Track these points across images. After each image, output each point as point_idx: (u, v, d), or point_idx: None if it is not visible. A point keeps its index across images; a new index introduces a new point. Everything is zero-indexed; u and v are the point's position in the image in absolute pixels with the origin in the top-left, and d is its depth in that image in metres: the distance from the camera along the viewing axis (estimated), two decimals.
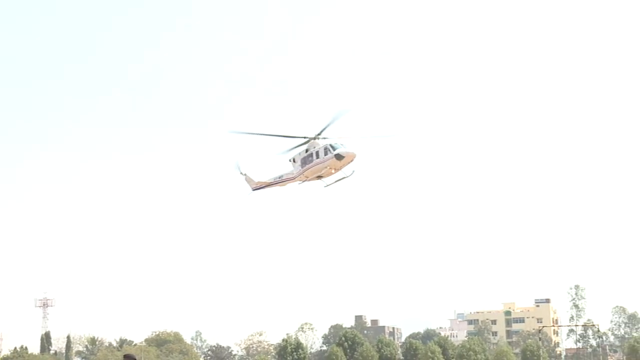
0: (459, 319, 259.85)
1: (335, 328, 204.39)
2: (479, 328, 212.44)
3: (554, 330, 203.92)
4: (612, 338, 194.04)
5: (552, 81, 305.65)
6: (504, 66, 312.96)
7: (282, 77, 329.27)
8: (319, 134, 70.32)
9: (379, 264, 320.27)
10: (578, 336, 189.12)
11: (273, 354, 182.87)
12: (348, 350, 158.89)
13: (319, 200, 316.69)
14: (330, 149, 68.35)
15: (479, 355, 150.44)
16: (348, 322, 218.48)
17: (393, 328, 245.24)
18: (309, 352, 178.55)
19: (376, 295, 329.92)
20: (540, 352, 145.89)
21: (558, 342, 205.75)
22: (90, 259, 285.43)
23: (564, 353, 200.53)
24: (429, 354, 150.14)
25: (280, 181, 74.91)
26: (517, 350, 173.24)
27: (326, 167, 68.49)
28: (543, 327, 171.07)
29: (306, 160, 70.82)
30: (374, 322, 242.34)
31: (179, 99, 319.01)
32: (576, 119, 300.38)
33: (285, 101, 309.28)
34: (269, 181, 76.30)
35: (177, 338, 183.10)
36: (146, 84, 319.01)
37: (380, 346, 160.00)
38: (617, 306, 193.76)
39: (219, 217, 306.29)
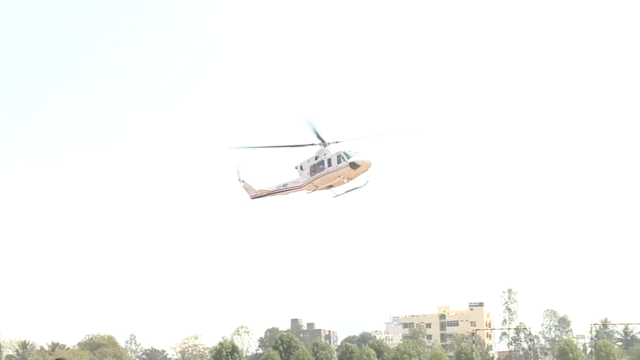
0: (395, 323, 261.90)
1: (272, 331, 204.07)
2: (414, 331, 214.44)
3: (487, 333, 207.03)
4: (543, 341, 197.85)
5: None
6: (507, 63, 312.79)
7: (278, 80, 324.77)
8: (324, 141, 66.00)
9: (315, 267, 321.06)
10: (510, 339, 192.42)
11: (209, 357, 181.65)
12: (284, 354, 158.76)
13: (254, 204, 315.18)
14: (344, 156, 64.54)
15: (413, 359, 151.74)
16: (284, 326, 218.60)
17: (329, 331, 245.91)
18: (244, 355, 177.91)
19: (312, 298, 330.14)
20: (474, 355, 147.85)
21: (491, 345, 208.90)
22: (21, 260, 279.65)
23: (496, 356, 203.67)
24: (365, 357, 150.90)
25: (284, 190, 70.72)
26: (451, 353, 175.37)
27: (339, 176, 64.79)
28: (477, 330, 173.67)
29: (316, 168, 66.73)
30: (310, 325, 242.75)
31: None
32: (515, 126, 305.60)
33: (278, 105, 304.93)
34: (271, 189, 72.17)
35: (110, 341, 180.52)
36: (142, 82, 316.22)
37: (316, 349, 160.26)
38: (548, 309, 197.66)
39: (153, 218, 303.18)
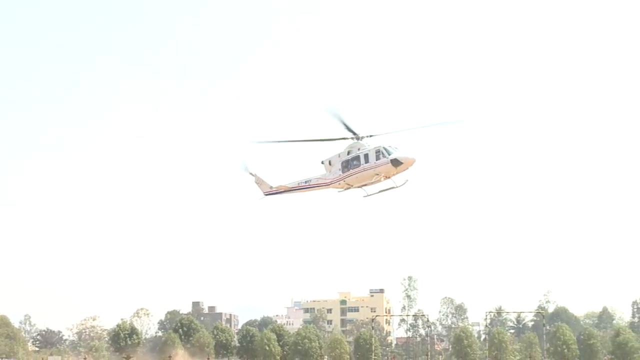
0: (296, 307, 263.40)
1: (172, 314, 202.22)
2: (315, 316, 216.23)
3: (386, 319, 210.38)
4: (440, 328, 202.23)
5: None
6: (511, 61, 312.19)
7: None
8: (356, 134, 60.55)
9: (218, 251, 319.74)
10: (409, 325, 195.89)
11: (106, 339, 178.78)
12: (184, 337, 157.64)
13: (160, 186, 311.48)
14: (384, 152, 58.91)
15: (313, 343, 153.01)
16: (185, 309, 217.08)
17: (230, 315, 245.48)
18: (143, 337, 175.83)
19: (214, 282, 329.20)
20: (373, 340, 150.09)
21: (390, 331, 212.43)
22: None
23: (394, 342, 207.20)
24: (265, 341, 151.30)
25: (306, 187, 64.40)
26: (351, 339, 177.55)
27: (377, 174, 59.05)
28: (376, 316, 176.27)
29: (349, 164, 60.71)
30: (211, 308, 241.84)
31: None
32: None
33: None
34: (291, 186, 65.52)
35: (3, 322, 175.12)
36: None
37: (216, 333, 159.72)
38: (445, 297, 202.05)
39: (51, 198, 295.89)
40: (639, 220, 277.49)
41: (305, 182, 64.34)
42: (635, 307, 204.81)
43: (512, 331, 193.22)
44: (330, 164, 62.49)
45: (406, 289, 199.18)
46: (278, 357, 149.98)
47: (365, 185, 60.72)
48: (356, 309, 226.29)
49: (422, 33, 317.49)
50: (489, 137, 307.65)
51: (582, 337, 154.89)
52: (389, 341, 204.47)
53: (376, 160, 59.03)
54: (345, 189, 61.92)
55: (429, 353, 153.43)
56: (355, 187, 61.27)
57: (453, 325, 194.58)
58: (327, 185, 62.64)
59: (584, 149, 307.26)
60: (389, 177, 59.37)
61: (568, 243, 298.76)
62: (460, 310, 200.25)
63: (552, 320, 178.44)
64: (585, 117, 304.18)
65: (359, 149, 60.53)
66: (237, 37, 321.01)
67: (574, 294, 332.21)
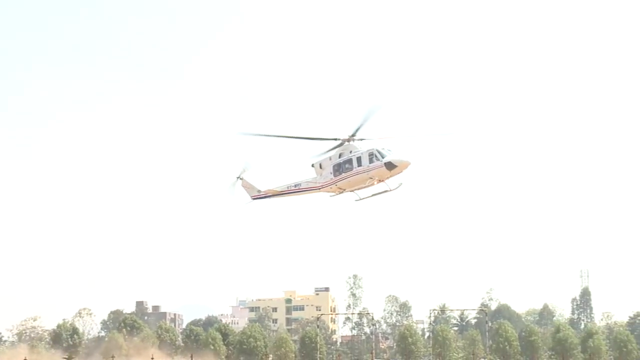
0: (241, 306, 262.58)
1: (115, 314, 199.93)
2: (260, 315, 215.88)
3: (331, 318, 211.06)
4: (384, 326, 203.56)
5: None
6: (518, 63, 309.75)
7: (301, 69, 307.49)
8: (353, 135, 58.71)
9: (162, 250, 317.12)
10: (354, 324, 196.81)
11: (47, 339, 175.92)
12: (127, 336, 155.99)
13: (104, 183, 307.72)
14: (378, 155, 57.48)
15: (258, 342, 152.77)
16: (129, 308, 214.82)
17: (175, 314, 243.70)
18: (86, 338, 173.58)
19: (158, 281, 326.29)
20: (318, 339, 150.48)
21: (335, 330, 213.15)
22: None
23: (339, 340, 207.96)
24: (210, 340, 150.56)
25: (296, 191, 62.68)
26: (296, 337, 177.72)
27: (370, 178, 57.64)
28: (322, 315, 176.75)
29: (341, 167, 59.00)
30: (156, 308, 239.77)
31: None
32: None
33: (303, 97, 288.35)
34: (280, 190, 63.63)
35: None
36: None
37: (160, 332, 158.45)
38: (390, 295, 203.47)
39: None
40: (577, 220, 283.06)
41: (295, 185, 62.66)
42: (574, 304, 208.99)
43: (455, 328, 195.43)
44: (321, 167, 60.73)
45: (351, 288, 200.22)
46: (223, 357, 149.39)
47: (357, 189, 59.06)
48: (301, 308, 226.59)
49: (414, 36, 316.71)
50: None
51: (523, 333, 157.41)
52: (334, 339, 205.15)
53: (369, 163, 57.65)
54: (338, 194, 60.11)
55: (374, 351, 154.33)
56: (347, 191, 59.54)
57: (397, 323, 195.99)
58: (317, 189, 61.04)
59: (521, 150, 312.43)
60: (382, 181, 57.91)
61: (510, 242, 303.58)
62: (404, 308, 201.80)
63: (494, 318, 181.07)
64: (543, 121, 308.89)
65: (350, 152, 58.73)
66: (229, 33, 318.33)
67: (515, 291, 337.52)
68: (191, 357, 60.70)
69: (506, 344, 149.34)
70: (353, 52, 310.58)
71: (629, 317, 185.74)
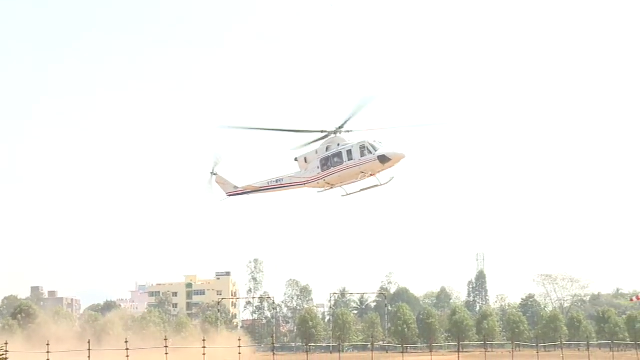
0: (140, 291, 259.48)
1: (10, 300, 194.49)
2: (160, 300, 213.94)
3: (232, 302, 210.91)
4: (285, 310, 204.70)
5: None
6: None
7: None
8: (340, 127, 55.20)
9: (57, 233, 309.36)
10: (255, 308, 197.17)
11: None
12: (22, 323, 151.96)
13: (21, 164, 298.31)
14: (370, 148, 53.93)
15: (158, 327, 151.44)
16: (24, 294, 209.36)
17: (72, 299, 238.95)
18: None
19: (54, 265, 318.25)
20: (218, 323, 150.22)
21: (236, 314, 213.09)
22: None
23: (240, 324, 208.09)
24: (109, 325, 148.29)
25: (277, 186, 58.89)
26: (197, 322, 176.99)
27: (362, 172, 54.21)
28: (222, 299, 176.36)
29: (330, 161, 55.46)
30: (52, 293, 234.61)
31: None
32: None
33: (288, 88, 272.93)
34: (260, 185, 59.69)
35: None
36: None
37: (57, 318, 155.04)
38: (291, 279, 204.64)
39: None
40: (473, 205, 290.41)
41: (277, 181, 58.97)
42: (470, 287, 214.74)
43: (355, 312, 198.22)
44: (306, 161, 57.20)
45: (252, 272, 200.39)
46: (122, 342, 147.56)
47: (347, 184, 55.70)
48: (202, 292, 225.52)
49: (401, 25, 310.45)
50: None
51: (421, 316, 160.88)
52: (235, 324, 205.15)
53: (361, 156, 54.13)
54: (327, 189, 56.65)
55: (274, 335, 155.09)
56: (336, 187, 56.03)
57: (298, 307, 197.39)
58: (302, 184, 57.48)
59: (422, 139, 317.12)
60: (373, 175, 54.69)
61: (409, 226, 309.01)
62: (305, 292, 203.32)
63: (393, 301, 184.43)
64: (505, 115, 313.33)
65: (338, 145, 55.48)
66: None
67: (414, 275, 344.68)
68: (88, 342, 59.42)
69: (405, 326, 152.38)
70: (337, 43, 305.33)
71: (522, 299, 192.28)
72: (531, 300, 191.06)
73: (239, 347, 61.60)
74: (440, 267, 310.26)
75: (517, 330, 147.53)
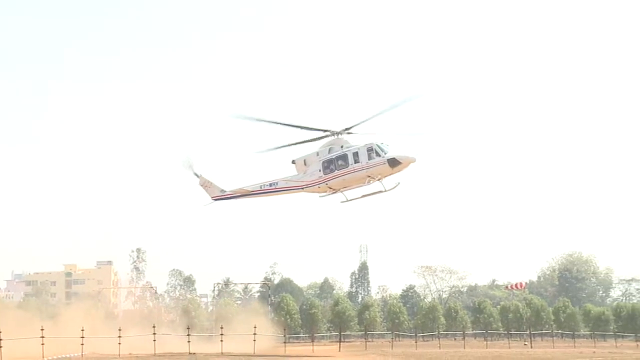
0: (17, 280, 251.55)
1: None
2: (38, 289, 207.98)
3: (113, 292, 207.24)
4: (168, 299, 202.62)
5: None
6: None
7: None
8: (348, 128, 51.55)
9: None
10: (136, 297, 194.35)
11: None
12: None
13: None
14: (379, 150, 50.51)
15: (35, 318, 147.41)
16: None
17: None
18: None
19: None
20: (97, 312, 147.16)
21: (117, 304, 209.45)
22: None
23: (121, 314, 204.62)
24: None
25: (272, 190, 54.77)
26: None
27: (369, 176, 50.63)
28: (103, 288, 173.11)
29: (333, 164, 51.77)
30: None
31: None
32: None
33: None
34: (252, 189, 55.59)
35: None
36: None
37: None
38: (174, 269, 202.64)
39: None
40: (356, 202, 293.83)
41: (270, 185, 54.95)
42: (353, 278, 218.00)
43: (239, 302, 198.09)
44: (305, 163, 53.52)
45: (135, 261, 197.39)
46: None
47: (351, 188, 52.22)
48: (82, 282, 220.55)
49: (406, 29, 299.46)
50: None
51: (304, 306, 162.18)
52: (116, 313, 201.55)
53: (369, 159, 50.73)
54: (329, 194, 52.84)
55: (155, 325, 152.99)
56: (340, 191, 52.36)
57: (181, 297, 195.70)
58: (300, 188, 53.65)
59: None
60: (379, 180, 51.16)
61: (293, 217, 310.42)
62: (188, 281, 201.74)
63: (277, 291, 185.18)
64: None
65: (342, 147, 52.04)
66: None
67: (298, 266, 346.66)
68: None
69: (288, 317, 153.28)
70: (340, 44, 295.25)
71: (402, 290, 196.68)
72: (411, 291, 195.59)
73: (119, 337, 60.85)
74: (323, 258, 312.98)
75: (397, 321, 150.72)
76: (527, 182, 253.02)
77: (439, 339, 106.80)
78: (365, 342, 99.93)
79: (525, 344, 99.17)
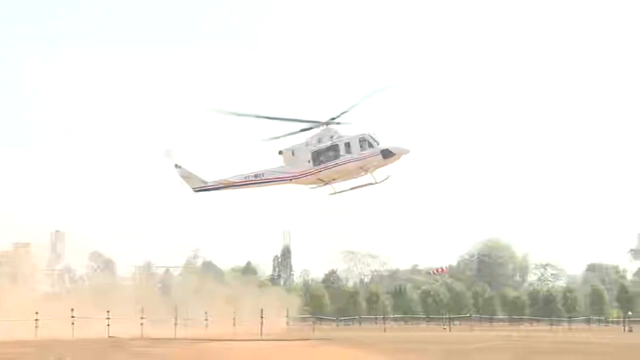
0: None
1: None
2: None
3: (31, 273, 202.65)
4: (87, 282, 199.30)
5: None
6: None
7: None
8: (335, 118, 49.80)
9: None
10: (55, 280, 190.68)
11: None
12: None
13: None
14: (372, 141, 49.11)
15: None
16: None
17: None
18: None
19: None
20: (12, 294, 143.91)
21: (34, 286, 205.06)
22: None
23: (38, 297, 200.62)
24: None
25: (257, 182, 52.17)
26: None
27: (361, 167, 49.34)
28: (21, 271, 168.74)
29: (323, 155, 50.04)
30: None
31: None
32: None
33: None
34: (237, 180, 52.62)
35: None
36: None
37: None
38: (94, 251, 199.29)
39: None
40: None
41: (256, 176, 52.52)
42: (276, 262, 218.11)
43: (159, 285, 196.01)
44: (293, 154, 51.19)
45: (54, 243, 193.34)
46: None
47: (342, 180, 50.63)
48: None
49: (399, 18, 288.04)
50: None
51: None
52: (33, 297, 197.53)
53: (361, 150, 49.37)
54: (320, 186, 51.17)
55: (74, 309, 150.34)
56: (330, 183, 50.58)
57: (101, 280, 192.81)
58: (288, 180, 51.59)
59: None
60: (372, 171, 49.77)
61: (215, 201, 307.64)
62: (109, 264, 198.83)
63: (200, 275, 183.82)
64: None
65: (332, 137, 50.32)
66: None
67: (220, 249, 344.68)
68: None
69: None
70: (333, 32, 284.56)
71: (325, 274, 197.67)
72: (333, 275, 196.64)
73: (36, 320, 59.68)
74: (246, 241, 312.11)
75: (319, 305, 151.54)
76: (447, 168, 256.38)
77: (359, 322, 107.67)
78: (287, 325, 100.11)
79: (444, 328, 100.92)
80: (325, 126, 50.85)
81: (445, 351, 40.65)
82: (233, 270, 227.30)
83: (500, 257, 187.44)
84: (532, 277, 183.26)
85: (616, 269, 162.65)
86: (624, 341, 57.17)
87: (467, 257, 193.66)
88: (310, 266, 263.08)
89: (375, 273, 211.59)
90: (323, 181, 51.06)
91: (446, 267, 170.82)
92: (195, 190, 54.63)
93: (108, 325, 62.89)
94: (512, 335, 68.99)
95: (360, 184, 51.02)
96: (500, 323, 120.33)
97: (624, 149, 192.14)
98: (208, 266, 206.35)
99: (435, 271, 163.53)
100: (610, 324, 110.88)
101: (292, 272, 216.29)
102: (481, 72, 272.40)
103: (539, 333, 79.91)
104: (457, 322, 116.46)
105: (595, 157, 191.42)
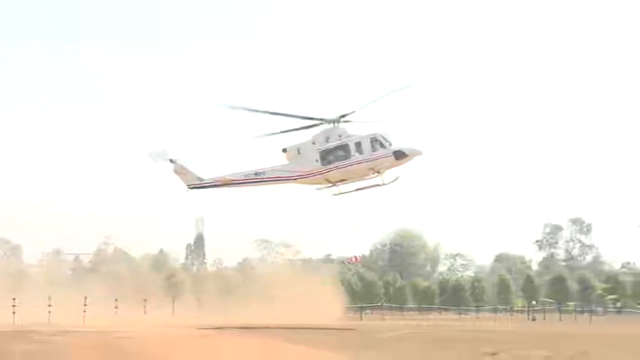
0: None
1: None
2: None
3: None
4: None
5: None
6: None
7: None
8: (343, 116, 47.89)
9: None
10: None
11: None
12: None
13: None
14: (384, 141, 47.45)
15: None
16: None
17: None
18: None
19: None
20: None
21: None
22: None
23: None
24: None
25: (258, 180, 50.01)
26: None
27: (371, 168, 47.56)
28: None
29: (332, 154, 48.05)
30: None
31: None
32: None
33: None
34: (237, 178, 50.39)
35: None
36: None
37: None
38: (0, 238, 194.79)
39: None
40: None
41: (257, 174, 50.46)
42: (189, 249, 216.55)
43: (70, 272, 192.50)
44: (299, 152, 49.34)
45: None
46: None
47: (351, 181, 48.82)
48: None
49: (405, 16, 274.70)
50: None
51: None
52: None
53: (373, 150, 47.88)
54: (327, 186, 49.38)
55: None
56: (337, 184, 48.83)
57: (8, 270, 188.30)
58: (293, 179, 49.61)
59: None
60: (382, 173, 48.22)
61: (126, 188, 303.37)
62: (17, 251, 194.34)
63: (111, 262, 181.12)
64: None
65: (340, 136, 48.62)
66: None
67: (132, 236, 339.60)
68: None
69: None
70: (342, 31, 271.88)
71: (238, 262, 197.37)
72: (247, 264, 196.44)
73: None
74: (159, 229, 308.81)
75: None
76: None
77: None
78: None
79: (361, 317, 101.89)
80: (333, 124, 49.30)
81: (357, 340, 40.89)
82: (144, 257, 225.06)
83: (412, 247, 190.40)
84: (442, 267, 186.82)
85: (522, 260, 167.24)
86: (527, 329, 58.96)
87: (379, 246, 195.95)
88: (224, 254, 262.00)
89: (288, 262, 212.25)
90: (330, 182, 49.66)
91: (359, 256, 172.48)
92: (189, 187, 52.81)
93: (14, 313, 61.38)
94: (422, 324, 70.21)
95: (367, 185, 49.87)
96: (411, 312, 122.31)
97: (530, 142, 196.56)
98: (119, 253, 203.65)
99: (349, 261, 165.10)
100: (515, 313, 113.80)
101: (205, 261, 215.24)
102: (482, 73, 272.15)
103: (448, 322, 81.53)
104: (368, 311, 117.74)
105: (502, 151, 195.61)
